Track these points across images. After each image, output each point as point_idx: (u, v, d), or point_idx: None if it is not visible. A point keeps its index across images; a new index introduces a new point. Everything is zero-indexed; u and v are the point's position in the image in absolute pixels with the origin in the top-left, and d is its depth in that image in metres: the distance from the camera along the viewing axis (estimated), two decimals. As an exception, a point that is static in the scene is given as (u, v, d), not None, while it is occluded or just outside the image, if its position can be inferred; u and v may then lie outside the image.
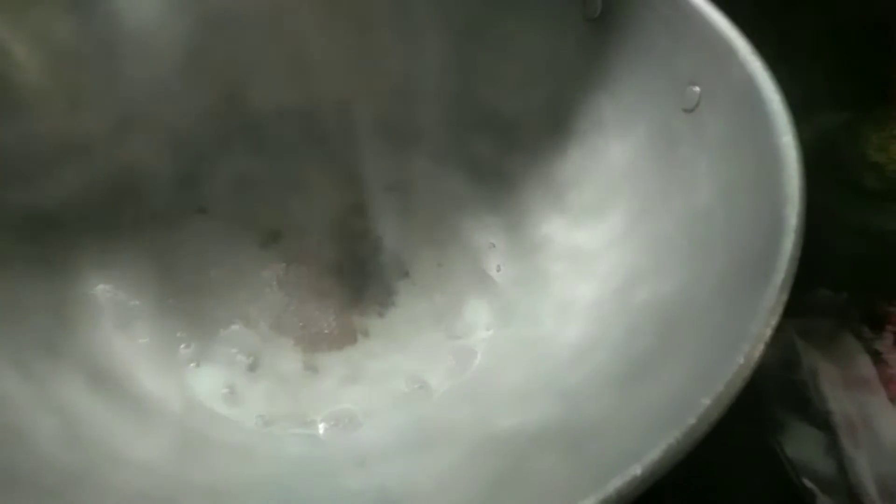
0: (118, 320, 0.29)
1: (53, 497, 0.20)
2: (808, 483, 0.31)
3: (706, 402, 0.16)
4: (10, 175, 0.28)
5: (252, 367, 0.28)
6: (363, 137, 0.33)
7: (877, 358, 0.35)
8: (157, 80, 0.32)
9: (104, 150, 0.31)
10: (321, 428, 0.26)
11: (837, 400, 0.34)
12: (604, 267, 0.28)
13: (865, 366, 0.35)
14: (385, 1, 0.33)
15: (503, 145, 0.34)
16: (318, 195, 0.33)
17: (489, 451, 0.23)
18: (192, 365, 0.28)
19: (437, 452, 0.24)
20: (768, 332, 0.17)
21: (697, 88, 0.27)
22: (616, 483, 0.15)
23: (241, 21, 0.32)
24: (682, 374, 0.19)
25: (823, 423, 0.32)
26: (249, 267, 0.31)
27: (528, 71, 0.33)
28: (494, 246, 0.32)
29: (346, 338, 0.30)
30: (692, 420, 0.15)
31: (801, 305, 0.37)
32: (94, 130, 0.30)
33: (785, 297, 0.18)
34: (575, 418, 0.23)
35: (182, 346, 0.29)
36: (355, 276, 0.32)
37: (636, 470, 0.15)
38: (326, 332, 0.30)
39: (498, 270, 0.31)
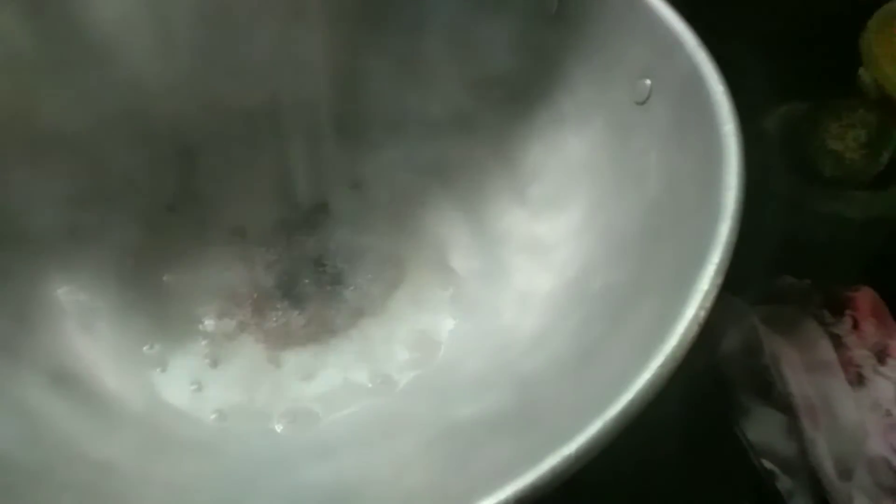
0: (81, 321, 0.29)
1: (11, 496, 0.21)
2: (768, 464, 0.32)
3: (638, 384, 0.16)
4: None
5: (214, 364, 0.29)
6: (323, 135, 0.33)
7: (837, 342, 0.35)
8: (123, 81, 0.32)
9: (68, 151, 0.31)
10: (280, 424, 0.26)
11: (798, 383, 0.34)
12: (561, 258, 0.29)
13: (826, 350, 0.35)
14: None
15: (465, 141, 0.34)
16: (280, 193, 0.33)
17: (446, 439, 0.23)
18: (155, 364, 0.29)
19: (397, 442, 0.24)
20: (702, 315, 0.18)
21: (648, 82, 0.28)
22: (551, 462, 0.15)
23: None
24: (625, 358, 0.19)
25: (785, 406, 0.33)
26: (214, 265, 0.32)
27: (488, 66, 0.33)
28: (459, 241, 0.33)
29: (310, 334, 0.30)
30: (623, 402, 0.16)
31: (766, 292, 0.38)
32: (58, 131, 0.31)
33: (719, 280, 0.19)
34: (528, 404, 0.23)
35: (145, 346, 0.29)
36: (318, 273, 0.32)
37: (570, 449, 0.15)
38: (291, 328, 0.30)
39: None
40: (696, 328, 0.17)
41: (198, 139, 0.33)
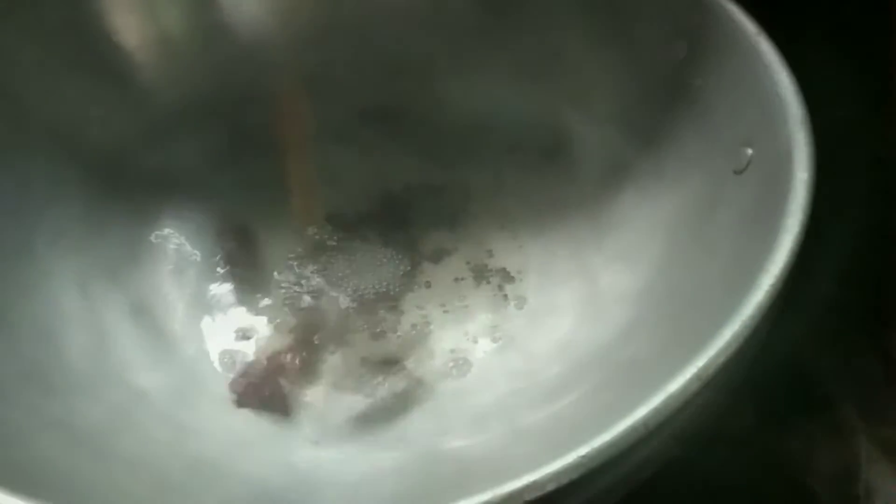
0: (176, 265, 0.33)
1: (50, 395, 0.25)
2: None
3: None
4: (132, 138, 0.33)
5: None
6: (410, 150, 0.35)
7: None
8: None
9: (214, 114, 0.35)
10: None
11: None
12: (611, 316, 0.28)
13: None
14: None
15: (562, 176, 0.33)
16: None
17: (419, 467, 0.24)
18: (224, 320, 0.32)
19: (379, 453, 0.25)
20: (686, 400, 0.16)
21: (750, 151, 0.25)
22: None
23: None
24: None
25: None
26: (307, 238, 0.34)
27: (610, 103, 0.33)
28: (526, 273, 0.32)
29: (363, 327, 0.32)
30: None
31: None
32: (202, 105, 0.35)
33: (698, 384, 0.17)
34: (504, 455, 0.23)
35: (220, 299, 0.32)
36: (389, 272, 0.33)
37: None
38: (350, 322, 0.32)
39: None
40: (667, 411, 0.16)
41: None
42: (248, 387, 0.28)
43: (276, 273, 0.33)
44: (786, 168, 0.22)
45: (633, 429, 0.16)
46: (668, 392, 0.16)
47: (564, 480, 0.15)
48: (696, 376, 0.17)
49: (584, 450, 0.16)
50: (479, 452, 0.24)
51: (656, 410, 0.16)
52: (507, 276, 0.32)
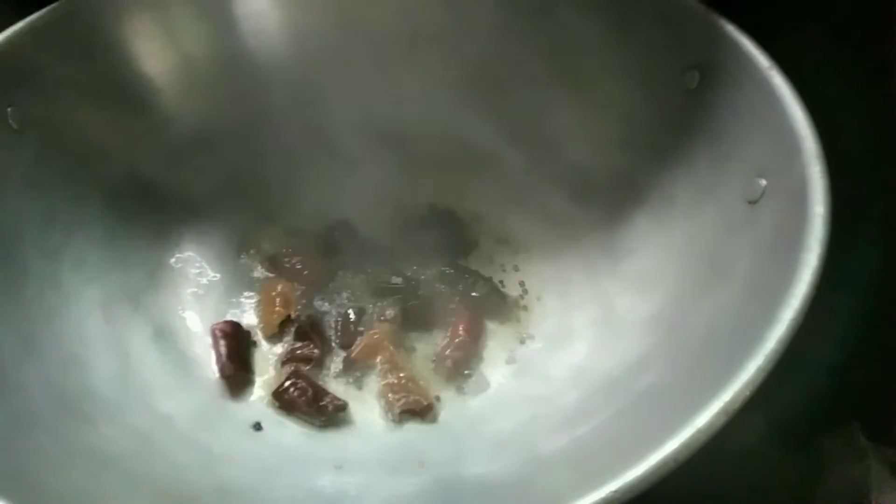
0: (197, 289, 0.33)
1: (83, 422, 0.25)
2: None
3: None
4: (148, 156, 0.34)
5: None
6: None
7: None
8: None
9: (221, 149, 0.36)
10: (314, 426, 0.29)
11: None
12: (627, 342, 0.28)
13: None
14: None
15: (577, 201, 0.34)
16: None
17: (440, 493, 0.24)
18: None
19: (400, 478, 0.25)
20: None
21: (764, 182, 0.26)
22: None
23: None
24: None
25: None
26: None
27: (620, 131, 0.33)
28: (541, 298, 0.33)
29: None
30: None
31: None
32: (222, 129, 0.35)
33: (724, 418, 0.17)
34: (527, 483, 0.23)
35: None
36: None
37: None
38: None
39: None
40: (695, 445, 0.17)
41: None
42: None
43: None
44: (801, 201, 0.23)
45: (663, 463, 0.16)
46: (696, 426, 0.17)
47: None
48: (723, 410, 0.17)
49: (615, 485, 0.16)
50: (499, 479, 0.25)
51: (685, 445, 0.17)
52: (522, 301, 0.33)
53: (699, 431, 0.17)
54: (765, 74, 0.26)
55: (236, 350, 0.30)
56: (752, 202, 0.26)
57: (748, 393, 0.18)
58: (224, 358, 0.30)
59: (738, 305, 0.24)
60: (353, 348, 0.31)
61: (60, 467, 0.22)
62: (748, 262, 0.25)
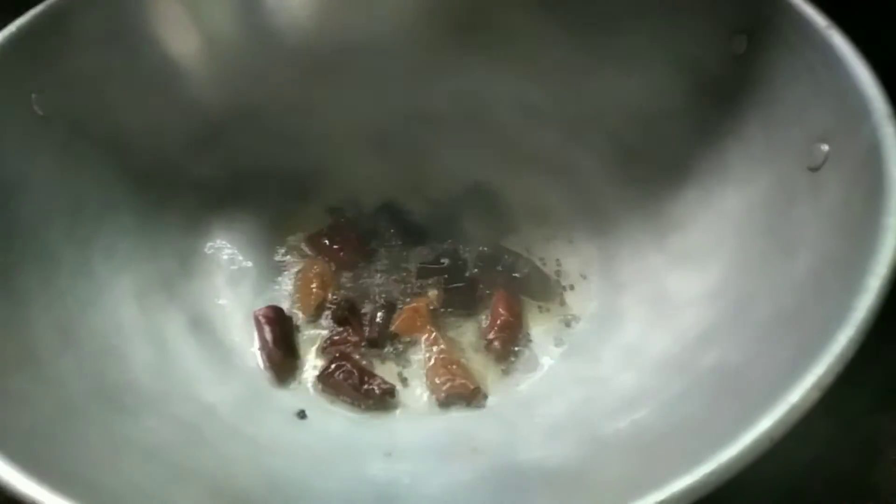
0: (230, 277, 0.33)
1: (125, 415, 0.24)
2: None
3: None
4: (181, 146, 0.33)
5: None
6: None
7: None
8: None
9: (257, 127, 0.35)
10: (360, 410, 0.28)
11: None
12: (683, 320, 0.27)
13: None
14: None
15: (620, 176, 0.33)
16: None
17: (499, 479, 0.23)
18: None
19: (454, 464, 0.25)
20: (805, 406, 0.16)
21: (826, 147, 0.25)
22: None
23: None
24: (710, 441, 0.17)
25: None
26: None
27: (665, 101, 0.32)
28: (585, 277, 0.32)
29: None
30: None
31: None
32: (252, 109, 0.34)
33: (819, 390, 0.16)
34: (591, 467, 0.22)
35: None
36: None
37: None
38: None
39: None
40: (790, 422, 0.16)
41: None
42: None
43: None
44: (872, 165, 0.22)
45: (758, 442, 0.15)
46: (790, 403, 0.16)
47: (690, 499, 0.15)
48: (816, 385, 0.16)
49: (710, 466, 0.15)
50: (560, 464, 0.24)
51: (780, 422, 0.16)
52: (565, 281, 0.32)
53: (793, 408, 0.16)
54: (823, 35, 0.25)
55: (282, 336, 0.29)
56: (814, 169, 0.25)
57: (840, 366, 0.17)
58: (271, 344, 0.29)
59: (809, 278, 0.22)
60: (395, 319, 0.31)
61: (108, 460, 0.22)
62: (815, 231, 0.24)
